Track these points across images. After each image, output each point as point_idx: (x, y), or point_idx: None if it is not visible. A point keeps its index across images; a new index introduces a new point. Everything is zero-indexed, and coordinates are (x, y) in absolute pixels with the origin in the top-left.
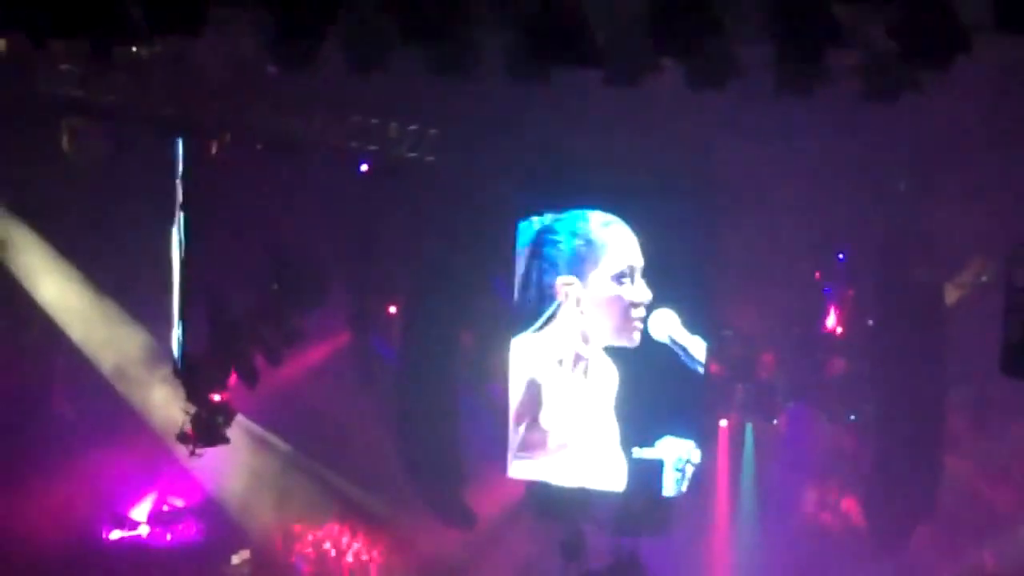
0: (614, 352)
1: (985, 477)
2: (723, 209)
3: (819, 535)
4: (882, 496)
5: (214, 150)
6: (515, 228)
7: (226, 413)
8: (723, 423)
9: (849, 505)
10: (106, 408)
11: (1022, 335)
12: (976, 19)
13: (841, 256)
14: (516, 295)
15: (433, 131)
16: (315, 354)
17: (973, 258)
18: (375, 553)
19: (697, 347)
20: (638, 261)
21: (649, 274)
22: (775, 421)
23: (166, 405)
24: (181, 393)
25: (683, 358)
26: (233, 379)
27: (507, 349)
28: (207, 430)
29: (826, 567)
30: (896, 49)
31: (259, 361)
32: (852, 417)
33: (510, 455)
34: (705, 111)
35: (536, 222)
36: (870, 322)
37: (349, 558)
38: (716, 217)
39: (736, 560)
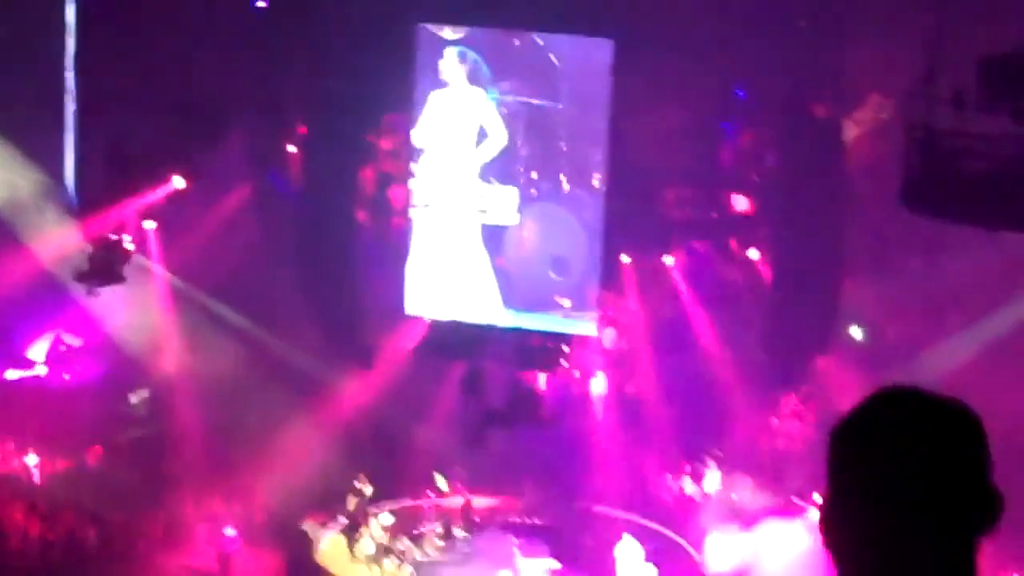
0: None
1: (882, 310)
2: (625, 47)
3: (718, 367)
4: (781, 329)
5: None
6: (415, 64)
7: (122, 252)
8: (625, 259)
9: (748, 338)
10: (1, 248)
11: (922, 170)
12: None
13: (741, 94)
14: None
15: None
16: (214, 193)
17: (872, 96)
18: (277, 392)
19: None
20: None
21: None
22: (674, 256)
23: (62, 244)
24: (78, 232)
25: None
26: (130, 217)
27: (406, 191)
28: (103, 269)
29: (726, 398)
30: None
31: (156, 199)
32: (751, 252)
33: (407, 292)
34: None
35: None
36: (769, 158)
37: (249, 396)
38: (618, 54)
39: (634, 394)
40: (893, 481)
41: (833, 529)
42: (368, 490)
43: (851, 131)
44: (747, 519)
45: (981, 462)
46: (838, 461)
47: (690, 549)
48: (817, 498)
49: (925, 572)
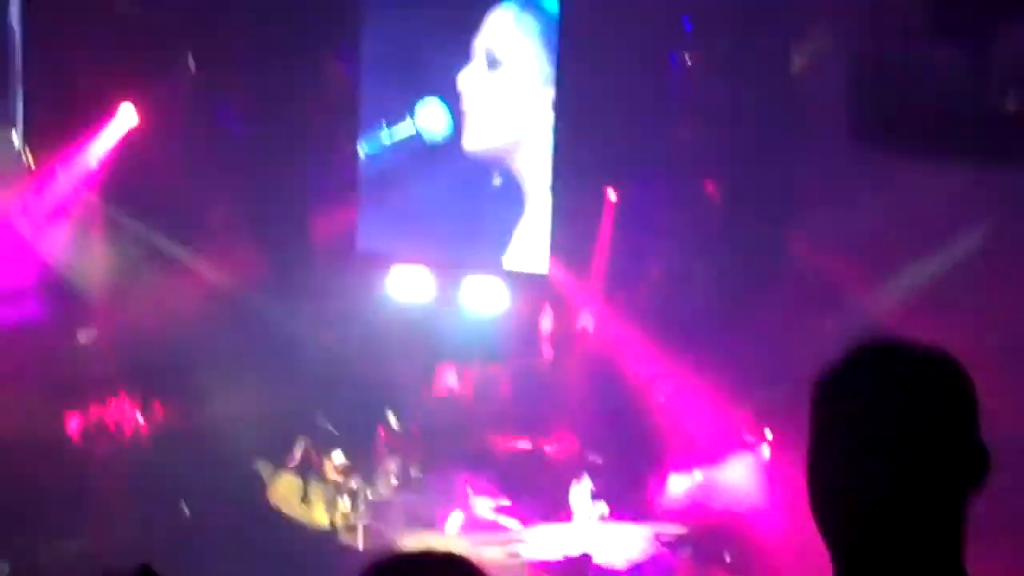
0: None
1: (831, 247)
2: None
3: (667, 302)
4: (729, 263)
5: None
6: None
7: (70, 187)
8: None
9: (697, 274)
10: None
11: (871, 102)
12: None
13: (687, 23)
14: None
15: None
16: (162, 124)
17: (819, 24)
18: (226, 329)
19: None
20: None
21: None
22: (622, 187)
23: (8, 180)
24: (24, 168)
25: None
26: (78, 152)
27: (356, 121)
28: (49, 205)
29: (676, 334)
30: None
31: (104, 135)
32: (698, 183)
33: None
34: None
35: None
36: (717, 89)
37: (198, 334)
38: None
39: (585, 330)
40: (878, 436)
41: (815, 483)
42: (321, 426)
43: (799, 61)
44: (704, 454)
45: (968, 417)
46: (821, 413)
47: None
48: (768, 434)
49: (911, 529)
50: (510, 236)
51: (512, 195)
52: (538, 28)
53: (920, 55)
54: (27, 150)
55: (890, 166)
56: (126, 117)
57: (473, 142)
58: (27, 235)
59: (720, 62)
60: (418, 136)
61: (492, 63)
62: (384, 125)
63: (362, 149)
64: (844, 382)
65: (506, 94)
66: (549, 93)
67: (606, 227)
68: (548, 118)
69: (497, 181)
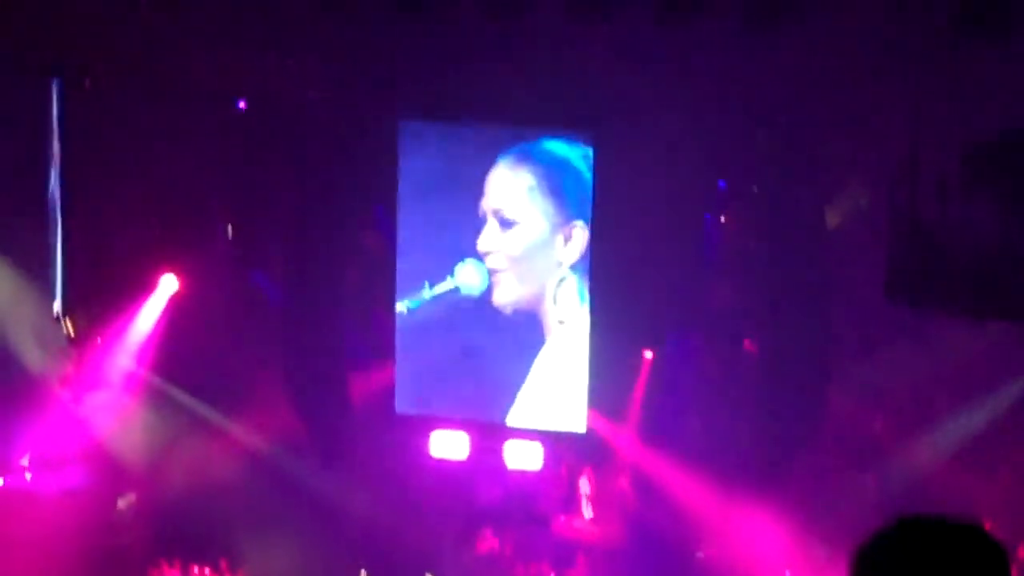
0: None
1: (868, 404)
2: (604, 138)
3: (704, 463)
4: (766, 424)
5: (87, 87)
6: (397, 161)
7: (108, 356)
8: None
9: (736, 430)
10: None
11: (905, 260)
12: None
13: (722, 184)
14: None
15: (311, 65)
16: (199, 293)
17: (853, 183)
18: (265, 494)
19: None
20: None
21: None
22: (660, 349)
23: (47, 348)
24: (63, 336)
25: None
26: (115, 321)
27: (393, 286)
28: (89, 374)
29: (715, 491)
30: None
31: (142, 302)
32: (736, 343)
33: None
34: (587, 44)
35: None
36: (752, 248)
37: (235, 498)
38: (597, 146)
39: (624, 491)
40: None
41: None
42: None
43: (833, 220)
44: None
45: None
46: None
47: None
48: None
49: None
50: (547, 394)
51: (542, 348)
52: (534, 180)
53: (955, 214)
54: (67, 319)
55: (927, 323)
56: (167, 287)
57: (502, 299)
58: (68, 404)
59: (755, 221)
60: (456, 291)
61: (504, 224)
62: (426, 283)
63: (403, 305)
64: (884, 556)
65: (523, 251)
66: (560, 238)
67: (642, 385)
68: (566, 263)
69: (528, 333)
